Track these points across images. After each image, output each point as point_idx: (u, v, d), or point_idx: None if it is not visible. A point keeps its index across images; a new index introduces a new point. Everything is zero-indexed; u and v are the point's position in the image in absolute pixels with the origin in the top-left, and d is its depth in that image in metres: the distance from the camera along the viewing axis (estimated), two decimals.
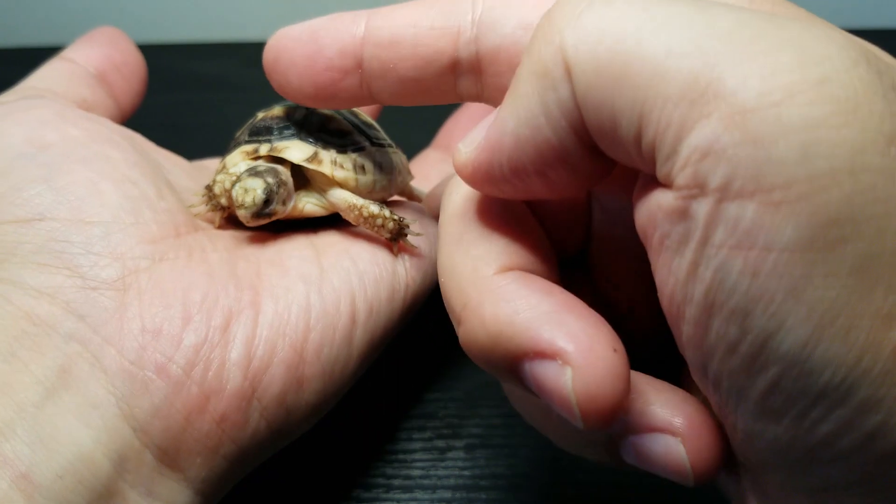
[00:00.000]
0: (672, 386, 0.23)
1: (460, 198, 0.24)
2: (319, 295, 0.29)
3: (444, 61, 0.26)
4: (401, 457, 0.35)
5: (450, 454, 0.36)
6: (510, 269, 0.22)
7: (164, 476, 0.25)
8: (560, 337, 0.20)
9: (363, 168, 0.31)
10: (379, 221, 0.30)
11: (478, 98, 0.26)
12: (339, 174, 0.30)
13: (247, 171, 0.30)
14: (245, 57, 0.63)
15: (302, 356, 0.28)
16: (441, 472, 0.35)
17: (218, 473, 0.27)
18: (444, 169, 0.43)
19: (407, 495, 0.34)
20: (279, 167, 0.31)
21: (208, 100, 0.36)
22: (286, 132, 0.32)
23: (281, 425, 0.28)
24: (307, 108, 0.33)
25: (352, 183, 0.30)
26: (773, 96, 0.16)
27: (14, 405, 0.23)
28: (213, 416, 0.26)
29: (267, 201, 0.29)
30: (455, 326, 0.23)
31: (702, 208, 0.17)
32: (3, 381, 0.24)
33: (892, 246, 0.16)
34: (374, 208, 0.30)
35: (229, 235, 0.31)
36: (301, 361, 0.28)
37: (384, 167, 0.32)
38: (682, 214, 0.17)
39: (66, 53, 0.35)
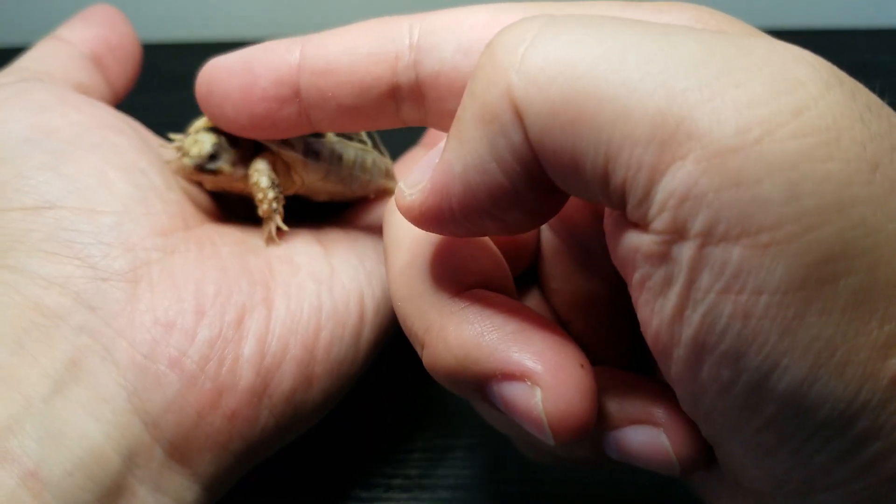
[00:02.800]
0: (646, 378, 0.23)
1: (405, 220, 0.22)
2: (330, 293, 0.28)
3: (383, 87, 0.25)
4: (400, 456, 0.35)
5: (450, 454, 0.35)
6: (469, 287, 0.22)
7: (173, 471, 0.25)
8: (527, 357, 0.19)
9: (317, 154, 0.30)
10: (259, 195, 0.29)
11: (422, 123, 0.26)
12: (287, 152, 0.30)
13: (206, 127, 0.30)
14: None
15: (313, 354, 0.27)
16: (441, 472, 0.35)
17: (225, 469, 0.26)
18: None
19: (406, 495, 0.34)
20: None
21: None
22: None
23: (288, 422, 0.28)
24: None
25: (300, 165, 0.30)
26: (752, 133, 0.15)
27: (22, 399, 0.23)
28: (225, 413, 0.25)
29: (213, 156, 0.29)
30: (417, 350, 0.22)
31: (684, 252, 0.16)
32: (11, 375, 0.23)
33: (885, 277, 0.16)
34: (263, 181, 0.29)
35: (236, 228, 0.30)
36: (312, 360, 0.27)
37: (346, 161, 0.32)
38: (663, 258, 0.17)
39: (60, 32, 0.34)
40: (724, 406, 0.17)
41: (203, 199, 0.31)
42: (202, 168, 0.29)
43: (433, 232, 0.21)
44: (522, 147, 0.18)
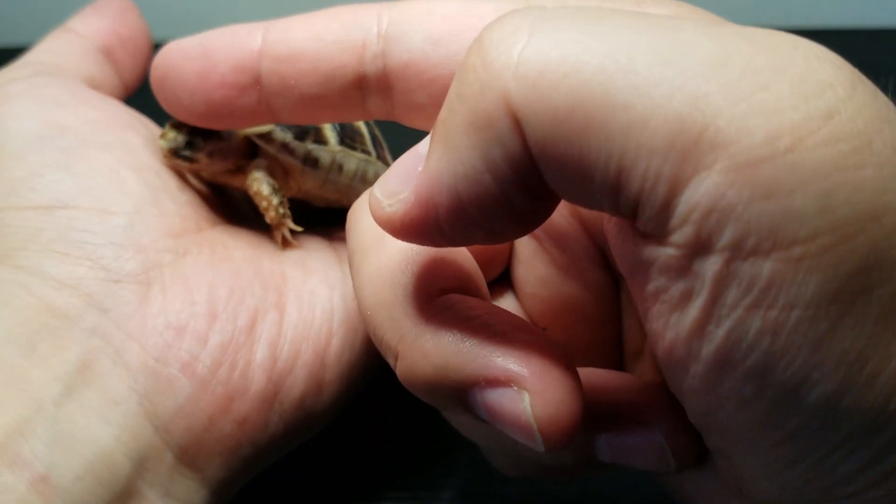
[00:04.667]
0: (630, 376, 0.23)
1: (372, 225, 0.21)
2: (343, 300, 0.28)
3: (349, 77, 0.24)
4: (400, 456, 0.35)
5: (450, 454, 0.35)
6: (444, 293, 0.21)
7: (183, 475, 0.25)
8: (512, 361, 0.18)
9: (315, 162, 0.30)
10: (263, 204, 0.29)
11: (388, 116, 0.25)
12: (284, 157, 0.30)
13: None
14: None
15: (324, 361, 0.27)
16: (441, 472, 0.35)
17: (234, 473, 0.26)
18: None
19: (406, 494, 0.34)
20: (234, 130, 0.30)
21: None
22: None
23: (297, 427, 0.27)
24: None
25: (297, 171, 0.30)
26: (783, 141, 0.14)
27: (33, 403, 0.23)
28: (236, 418, 0.25)
29: (189, 143, 0.28)
30: (390, 362, 0.21)
31: (708, 267, 0.15)
32: (23, 377, 0.23)
33: None
34: (264, 189, 0.29)
35: (249, 230, 0.30)
36: (323, 366, 0.27)
37: (346, 172, 0.31)
38: (683, 272, 0.16)
39: (71, 24, 0.33)
40: (742, 420, 0.17)
41: (216, 200, 0.31)
42: (177, 154, 0.28)
43: (413, 243, 0.20)
44: (520, 156, 0.16)
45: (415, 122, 0.24)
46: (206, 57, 0.25)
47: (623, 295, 0.25)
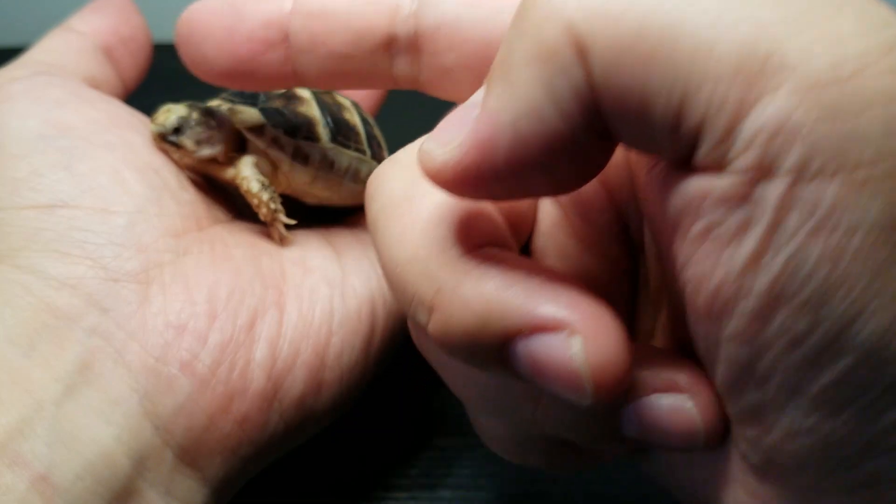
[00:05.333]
0: (654, 346, 0.22)
1: (399, 184, 0.21)
2: (342, 299, 0.28)
3: (379, 37, 0.24)
4: (400, 455, 0.35)
5: (449, 453, 0.35)
6: (480, 247, 0.20)
7: (183, 475, 0.25)
8: (563, 306, 0.18)
9: (306, 158, 0.30)
10: (255, 201, 0.29)
11: (413, 83, 0.25)
12: (273, 152, 0.30)
13: (189, 103, 0.30)
14: None
15: (323, 360, 0.27)
16: (441, 471, 0.35)
17: (234, 472, 0.26)
18: None
19: (405, 494, 0.34)
20: (224, 114, 0.30)
21: (206, 100, 0.35)
22: (260, 99, 0.31)
23: (297, 427, 0.27)
24: (312, 89, 0.32)
25: (286, 166, 0.30)
26: (847, 67, 0.14)
27: (33, 403, 0.23)
28: (236, 417, 0.25)
29: (177, 129, 0.29)
30: (420, 318, 0.20)
31: (771, 192, 0.15)
32: (23, 377, 0.23)
33: None
34: (254, 186, 0.29)
35: (249, 228, 0.30)
36: (322, 365, 0.27)
37: (337, 169, 0.31)
38: (743, 200, 0.16)
39: (71, 23, 0.33)
40: (790, 363, 0.16)
41: (216, 197, 0.31)
42: (165, 138, 0.29)
43: (466, 195, 0.19)
44: (584, 88, 0.16)
45: (439, 89, 0.24)
46: (234, 12, 0.25)
47: (640, 274, 0.25)
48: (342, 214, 0.34)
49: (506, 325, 0.18)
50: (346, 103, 0.33)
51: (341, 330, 0.28)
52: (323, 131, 0.31)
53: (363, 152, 0.32)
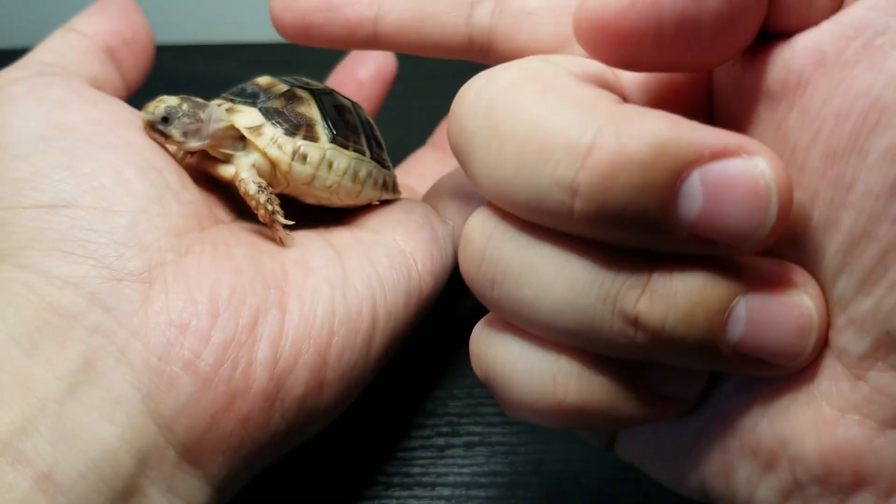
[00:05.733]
0: None
1: (515, 73, 0.20)
2: (343, 299, 0.28)
3: None
4: (400, 454, 0.35)
5: (449, 452, 0.36)
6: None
7: (185, 473, 0.25)
8: (738, 136, 0.18)
9: (304, 158, 0.30)
10: (252, 203, 0.29)
11: (487, 33, 0.25)
12: (273, 152, 0.30)
13: (182, 95, 0.30)
14: (245, 58, 0.62)
15: (325, 360, 0.27)
16: (440, 470, 0.35)
17: (236, 471, 0.26)
18: (439, 169, 0.41)
19: (406, 493, 0.34)
20: (217, 110, 0.30)
21: (209, 100, 0.36)
22: (260, 99, 0.31)
23: (299, 426, 0.28)
24: (312, 90, 0.32)
25: (284, 166, 0.30)
26: None
27: (36, 401, 0.23)
28: (238, 416, 0.25)
29: (165, 119, 0.29)
30: (565, 172, 0.18)
31: None
32: (26, 375, 0.23)
33: None
34: (251, 188, 0.29)
35: (250, 228, 0.30)
36: (324, 365, 0.27)
37: (336, 169, 0.31)
38: None
39: (74, 23, 0.33)
40: None
41: (218, 196, 0.31)
42: (153, 127, 0.29)
43: (610, 54, 0.19)
44: None
45: (515, 37, 0.24)
46: None
47: None
48: (342, 214, 0.34)
49: (685, 153, 0.18)
50: (347, 104, 0.34)
51: (343, 330, 0.28)
52: (322, 132, 0.31)
53: (363, 153, 0.33)
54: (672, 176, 0.18)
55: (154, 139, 0.29)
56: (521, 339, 0.22)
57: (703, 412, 0.22)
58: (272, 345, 0.26)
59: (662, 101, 0.22)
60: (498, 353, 0.22)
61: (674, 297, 0.19)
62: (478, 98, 0.20)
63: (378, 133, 0.35)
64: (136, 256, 0.26)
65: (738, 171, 0.18)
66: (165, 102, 0.29)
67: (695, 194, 0.18)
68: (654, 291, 0.19)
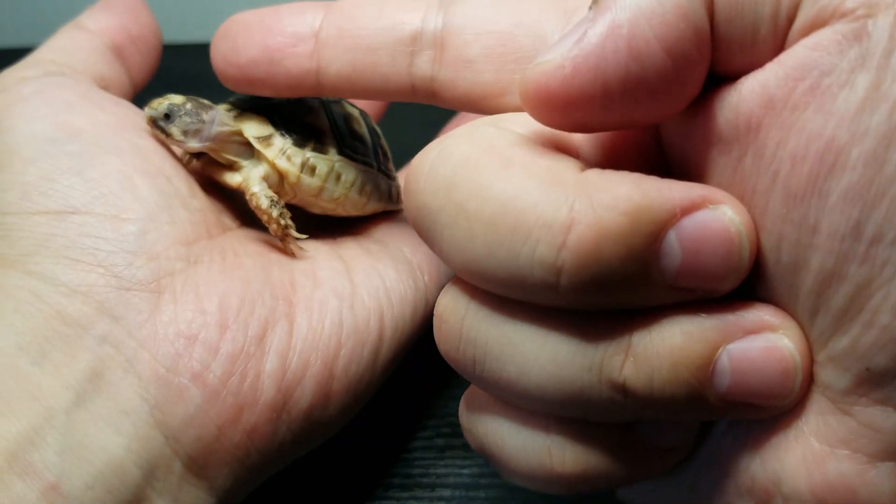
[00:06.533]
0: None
1: (467, 146, 0.20)
2: (351, 311, 0.28)
3: (406, 31, 0.25)
4: (400, 455, 0.35)
5: (449, 452, 0.35)
6: (581, 169, 0.20)
7: (191, 484, 0.25)
8: (698, 187, 0.19)
9: (313, 170, 0.30)
10: (264, 218, 0.29)
11: (429, 82, 0.25)
12: (282, 163, 0.30)
13: (191, 96, 0.30)
14: None
15: (332, 372, 0.27)
16: (440, 471, 0.35)
17: (241, 482, 0.26)
18: None
19: (406, 493, 0.34)
20: (223, 114, 0.30)
21: (209, 100, 0.36)
22: (269, 107, 0.31)
23: (304, 437, 0.28)
24: (321, 98, 0.32)
25: (293, 178, 0.30)
26: None
27: (44, 411, 0.23)
28: (245, 428, 0.25)
29: (167, 116, 0.29)
30: (545, 252, 0.18)
31: (881, 23, 0.16)
32: (34, 385, 0.23)
33: None
34: (263, 203, 0.29)
35: (257, 237, 0.30)
36: (331, 377, 0.27)
37: (344, 182, 0.31)
38: (856, 38, 0.17)
39: (81, 20, 0.33)
40: None
41: (226, 204, 0.31)
42: (155, 123, 0.29)
43: (558, 119, 0.19)
44: None
45: (457, 85, 0.25)
46: (274, 11, 0.26)
47: None
48: (349, 223, 0.34)
49: (660, 215, 0.18)
50: (355, 113, 0.33)
51: (350, 342, 0.28)
52: (331, 143, 0.31)
53: (370, 165, 0.32)
54: (651, 239, 0.18)
55: (155, 136, 0.29)
56: (509, 416, 0.22)
57: (697, 456, 0.22)
58: (280, 357, 0.26)
59: (613, 152, 0.22)
60: (488, 431, 0.23)
61: (657, 359, 0.19)
62: (434, 173, 0.20)
63: (384, 143, 0.35)
64: (145, 265, 0.25)
65: (710, 222, 0.18)
66: (170, 100, 0.29)
67: (673, 251, 0.18)
68: (636, 356, 0.19)
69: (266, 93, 0.27)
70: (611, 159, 0.22)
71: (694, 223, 0.18)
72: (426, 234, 0.21)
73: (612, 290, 0.19)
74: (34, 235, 0.25)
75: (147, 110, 0.29)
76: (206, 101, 0.30)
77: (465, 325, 0.21)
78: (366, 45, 0.25)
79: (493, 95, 0.25)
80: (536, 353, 0.20)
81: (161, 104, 0.29)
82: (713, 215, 0.18)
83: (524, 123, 0.21)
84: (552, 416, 0.21)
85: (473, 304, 0.21)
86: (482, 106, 0.25)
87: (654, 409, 0.20)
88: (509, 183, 0.19)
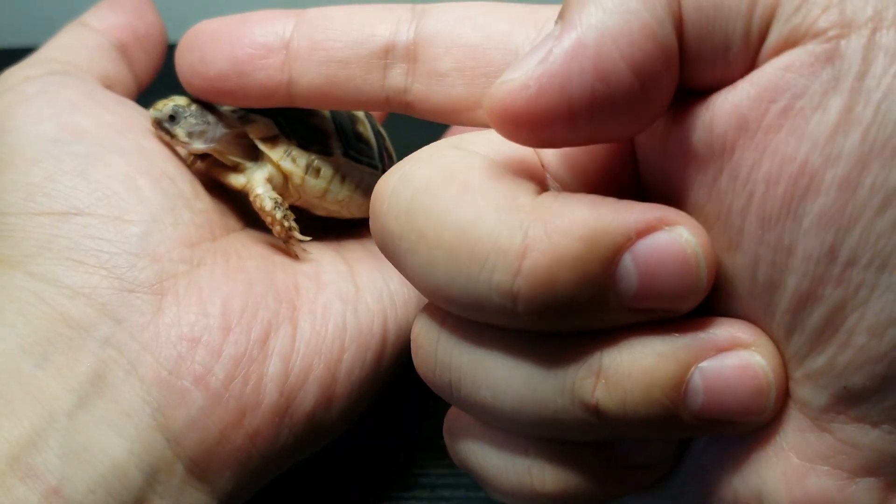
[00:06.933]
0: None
1: (428, 170, 0.20)
2: (355, 314, 0.28)
3: (379, 43, 0.25)
4: (399, 455, 0.35)
5: (449, 452, 0.35)
6: (539, 192, 0.20)
7: (193, 487, 0.25)
8: (655, 209, 0.19)
9: (318, 171, 0.30)
10: (268, 220, 0.29)
11: (402, 96, 0.25)
12: (286, 165, 0.30)
13: (196, 98, 0.30)
14: None
15: (335, 376, 0.27)
16: (440, 471, 0.35)
17: (242, 485, 0.26)
18: None
19: (406, 494, 0.34)
20: (228, 116, 0.30)
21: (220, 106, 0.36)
22: (274, 111, 0.31)
23: (306, 441, 0.28)
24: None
25: (297, 179, 0.30)
26: None
27: (46, 414, 0.23)
28: (247, 431, 0.25)
29: (172, 117, 0.29)
30: (501, 278, 0.18)
31: (854, 44, 0.16)
32: (36, 387, 0.23)
33: None
34: (268, 204, 0.29)
35: (261, 239, 0.30)
36: (333, 381, 0.27)
37: (349, 183, 0.31)
38: (829, 59, 0.17)
39: (86, 18, 0.33)
40: (880, 229, 0.17)
41: (230, 206, 0.31)
42: (159, 125, 0.29)
43: (524, 137, 0.19)
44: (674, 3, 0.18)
45: (429, 98, 0.25)
46: (241, 20, 0.26)
47: None
48: (352, 226, 0.34)
49: (615, 239, 0.18)
50: (360, 115, 0.33)
51: (353, 346, 0.28)
52: (336, 145, 0.31)
53: (375, 167, 0.32)
54: (606, 264, 0.18)
55: (160, 137, 0.29)
56: (489, 437, 0.22)
57: (679, 471, 0.22)
58: (283, 360, 0.26)
59: (583, 169, 0.22)
60: (470, 452, 0.23)
61: (629, 381, 0.19)
62: (395, 198, 0.20)
63: (389, 145, 0.35)
64: (148, 267, 0.25)
65: (665, 244, 0.18)
66: (174, 102, 0.29)
67: (629, 275, 0.18)
68: (608, 378, 0.19)
69: (235, 104, 0.27)
70: (580, 177, 0.22)
71: (649, 246, 0.18)
72: (391, 258, 0.21)
73: (570, 315, 0.19)
74: (37, 237, 0.25)
75: (151, 112, 0.29)
76: (210, 103, 0.30)
77: (439, 349, 0.21)
78: (339, 58, 0.25)
79: (464, 109, 0.25)
80: (508, 378, 0.20)
81: (166, 106, 0.29)
82: (668, 237, 0.18)
83: (488, 143, 0.21)
84: (530, 436, 0.21)
85: (445, 331, 0.21)
86: (455, 118, 0.25)
87: (629, 430, 0.20)
88: (466, 209, 0.19)
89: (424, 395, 0.38)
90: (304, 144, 0.30)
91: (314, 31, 0.25)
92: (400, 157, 0.36)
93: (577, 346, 0.20)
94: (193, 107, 0.29)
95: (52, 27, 0.33)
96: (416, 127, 0.42)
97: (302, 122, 0.31)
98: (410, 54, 0.24)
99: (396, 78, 0.25)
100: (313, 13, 0.25)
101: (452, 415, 0.24)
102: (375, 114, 0.38)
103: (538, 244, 0.18)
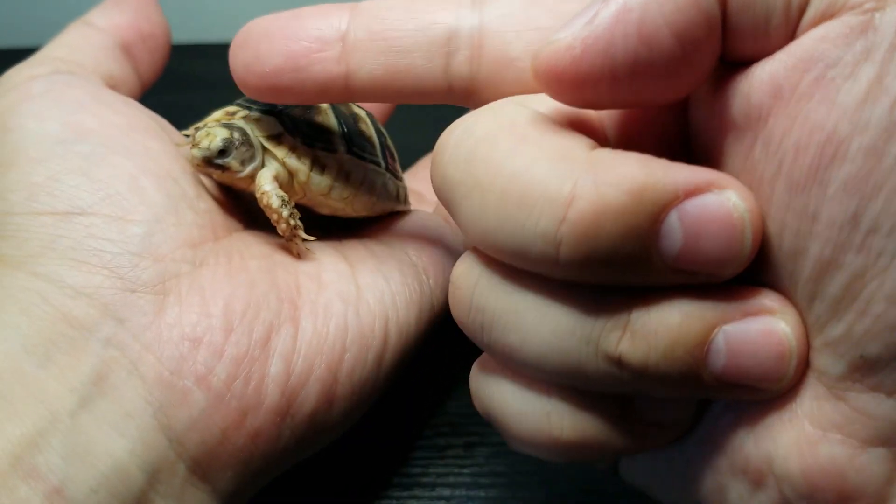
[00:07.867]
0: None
1: (490, 121, 0.21)
2: (356, 315, 0.28)
3: (440, 31, 0.24)
4: (400, 454, 0.35)
5: (449, 452, 0.36)
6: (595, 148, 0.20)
7: (195, 487, 0.25)
8: (705, 171, 0.19)
9: (322, 168, 0.30)
10: (274, 217, 0.29)
11: (469, 83, 0.24)
12: (292, 162, 0.30)
13: (222, 122, 0.30)
14: None
15: (336, 376, 0.27)
16: (440, 470, 0.35)
17: (244, 485, 0.26)
18: None
19: (406, 493, 0.34)
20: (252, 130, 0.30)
21: (209, 100, 0.35)
22: (279, 107, 0.31)
23: (307, 442, 0.28)
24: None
25: (302, 176, 0.30)
26: None
27: (48, 414, 0.23)
28: (249, 432, 0.25)
29: (223, 151, 0.28)
30: (547, 224, 0.19)
31: (889, 17, 0.17)
32: (39, 388, 0.23)
33: None
34: (274, 202, 0.29)
35: (263, 239, 0.30)
36: (335, 381, 0.27)
37: (353, 180, 0.31)
38: (863, 31, 0.17)
39: (90, 17, 0.33)
40: None
41: (232, 206, 0.31)
42: (210, 162, 0.28)
43: (569, 97, 0.20)
44: None
45: (498, 85, 0.24)
46: (295, 15, 0.25)
47: None
48: (354, 225, 0.34)
49: (663, 195, 0.18)
50: (362, 114, 0.33)
51: (354, 346, 0.28)
52: (339, 142, 0.31)
53: (378, 164, 0.32)
54: (652, 219, 0.18)
55: (206, 174, 0.29)
56: (514, 380, 0.23)
57: (694, 434, 0.22)
58: (284, 360, 0.26)
59: (637, 132, 0.22)
60: (494, 395, 0.23)
61: (654, 336, 0.19)
62: (457, 148, 0.21)
63: (391, 144, 0.35)
64: (151, 267, 0.25)
65: (713, 206, 0.19)
66: (217, 135, 0.28)
67: (674, 233, 0.19)
68: (634, 332, 0.20)
69: (292, 100, 0.27)
70: (634, 139, 0.22)
71: (696, 206, 0.18)
72: (448, 205, 0.22)
73: (611, 267, 0.19)
74: (40, 236, 0.25)
75: (196, 151, 0.28)
76: (234, 123, 0.29)
77: (476, 292, 0.22)
78: (398, 48, 0.24)
79: (539, 91, 0.25)
80: (538, 324, 0.21)
81: (212, 142, 0.28)
82: (717, 199, 0.19)
83: (547, 102, 0.22)
84: (554, 383, 0.22)
85: (486, 274, 0.22)
86: None
87: (649, 385, 0.20)
88: (521, 159, 0.19)
89: (425, 395, 0.38)
90: (309, 142, 0.30)
91: (372, 21, 0.24)
92: (400, 157, 0.36)
93: (609, 299, 0.20)
94: (236, 134, 0.29)
95: (54, 27, 0.33)
96: (416, 127, 0.43)
97: (305, 119, 0.31)
98: (476, 41, 0.24)
99: (461, 65, 0.24)
100: (368, 4, 0.25)
101: (483, 359, 0.24)
102: (377, 114, 0.38)
103: (586, 194, 0.18)
